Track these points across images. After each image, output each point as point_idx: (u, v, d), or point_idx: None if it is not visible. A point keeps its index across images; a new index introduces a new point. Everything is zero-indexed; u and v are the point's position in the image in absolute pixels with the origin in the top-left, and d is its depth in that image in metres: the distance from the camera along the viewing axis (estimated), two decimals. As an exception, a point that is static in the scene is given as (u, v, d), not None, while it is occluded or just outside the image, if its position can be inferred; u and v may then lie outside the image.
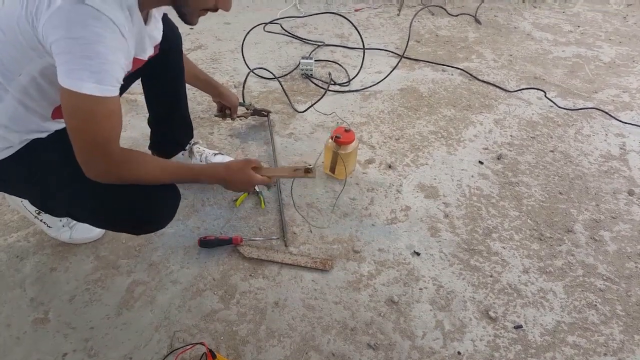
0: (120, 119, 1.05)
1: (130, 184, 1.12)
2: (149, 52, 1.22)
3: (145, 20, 1.16)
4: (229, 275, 1.47)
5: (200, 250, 1.53)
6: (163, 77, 1.50)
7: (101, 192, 1.12)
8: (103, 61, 0.94)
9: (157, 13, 1.25)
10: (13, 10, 0.97)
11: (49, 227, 1.48)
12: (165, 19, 1.37)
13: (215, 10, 1.15)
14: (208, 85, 1.76)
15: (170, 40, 1.40)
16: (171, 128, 1.69)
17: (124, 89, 1.16)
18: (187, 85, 1.76)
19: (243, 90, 2.23)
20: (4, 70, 1.04)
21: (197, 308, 1.38)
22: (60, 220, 1.49)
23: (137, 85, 1.50)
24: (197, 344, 1.26)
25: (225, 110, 1.88)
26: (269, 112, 2.09)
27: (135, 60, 1.12)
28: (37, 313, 1.35)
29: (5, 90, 1.07)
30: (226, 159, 1.75)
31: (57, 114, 1.17)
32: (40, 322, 1.33)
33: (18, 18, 0.96)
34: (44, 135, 1.18)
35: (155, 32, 1.26)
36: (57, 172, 1.15)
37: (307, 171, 1.41)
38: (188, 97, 1.67)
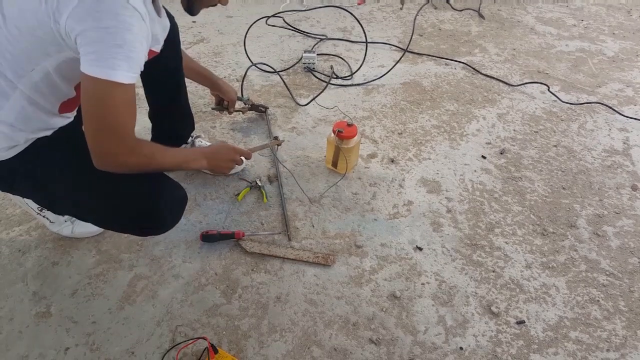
0: (136, 106, 1.05)
1: (136, 186, 1.12)
2: (161, 43, 1.21)
3: (157, 11, 1.15)
4: (231, 269, 1.47)
5: (202, 245, 1.53)
6: (162, 69, 1.49)
7: (106, 199, 1.13)
8: (131, 49, 0.95)
9: (161, 4, 1.24)
10: (30, 6, 0.96)
11: (51, 222, 1.48)
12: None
13: (215, 4, 1.16)
14: (206, 79, 1.74)
15: (169, 33, 1.39)
16: (172, 121, 1.68)
17: None
18: (189, 80, 1.75)
19: (242, 84, 2.22)
20: (15, 67, 1.03)
21: (199, 303, 1.38)
22: (63, 216, 1.48)
23: (137, 78, 1.49)
24: (199, 338, 1.27)
25: (223, 103, 1.87)
26: (266, 107, 2.08)
27: (150, 51, 1.12)
28: (39, 307, 1.35)
29: (13, 87, 1.06)
30: None
31: (63, 108, 1.16)
32: (42, 316, 1.33)
33: (37, 13, 0.95)
34: (49, 132, 1.17)
35: (165, 23, 1.26)
36: (61, 178, 1.15)
37: (276, 139, 1.77)
38: (190, 91, 1.66)
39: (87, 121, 0.99)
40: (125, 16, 0.92)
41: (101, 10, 0.91)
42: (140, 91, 1.61)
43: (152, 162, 1.11)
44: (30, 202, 1.43)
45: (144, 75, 1.51)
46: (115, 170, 1.06)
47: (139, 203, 1.14)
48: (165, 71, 1.52)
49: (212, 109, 1.91)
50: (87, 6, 0.91)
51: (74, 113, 1.23)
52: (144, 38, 0.99)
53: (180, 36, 1.54)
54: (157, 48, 1.19)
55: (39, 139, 1.15)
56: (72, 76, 1.01)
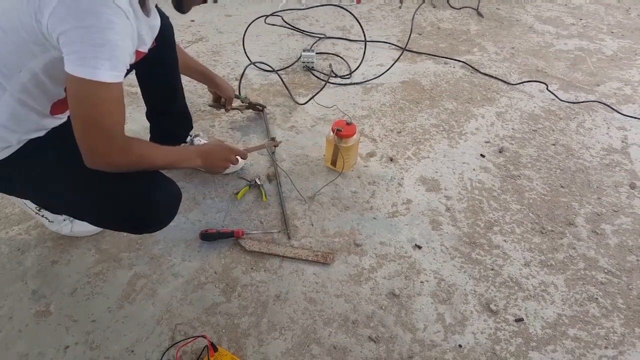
0: (124, 104, 1.05)
1: (130, 184, 1.12)
2: (149, 44, 1.21)
3: (145, 11, 1.15)
4: (231, 268, 1.47)
5: (201, 244, 1.53)
6: (158, 69, 1.49)
7: (100, 197, 1.13)
8: (114, 48, 0.94)
9: (152, 5, 1.24)
10: (13, 6, 0.95)
11: (50, 221, 1.48)
12: (157, 9, 1.35)
13: (205, 1, 1.17)
14: (204, 76, 1.74)
15: (163, 32, 1.38)
16: (170, 121, 1.68)
17: None
18: (189, 79, 1.75)
19: (240, 83, 2.22)
20: (3, 69, 1.03)
21: (199, 301, 1.38)
22: (62, 215, 1.48)
23: (132, 76, 1.49)
24: (198, 337, 1.27)
25: (221, 100, 1.87)
26: (264, 106, 2.08)
27: (136, 52, 1.11)
28: (38, 306, 1.35)
29: (3, 89, 1.05)
30: None
31: (55, 110, 1.16)
32: (42, 314, 1.33)
33: (19, 13, 0.95)
34: (42, 133, 1.17)
35: (154, 23, 1.25)
36: (55, 178, 1.15)
37: (273, 139, 1.79)
38: (189, 90, 1.66)
39: (74, 121, 1.00)
40: (106, 14, 0.92)
41: (82, 9, 0.90)
42: (138, 90, 1.61)
43: (143, 160, 1.12)
44: (28, 201, 1.43)
45: (139, 76, 1.52)
46: (106, 169, 1.06)
47: (133, 200, 1.14)
48: (161, 72, 1.52)
49: (209, 105, 1.91)
50: (68, 5, 0.90)
51: (67, 114, 1.23)
52: (127, 36, 0.98)
53: (178, 35, 1.54)
54: (144, 49, 1.18)
55: (32, 139, 1.15)
56: (59, 76, 1.01)
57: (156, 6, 1.35)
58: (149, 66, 1.42)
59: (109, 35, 0.92)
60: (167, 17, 1.46)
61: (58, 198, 1.18)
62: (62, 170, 1.14)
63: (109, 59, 0.94)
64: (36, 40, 0.97)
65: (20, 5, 0.94)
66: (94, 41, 0.91)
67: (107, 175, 1.08)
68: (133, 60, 1.08)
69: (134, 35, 1.02)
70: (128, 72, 1.24)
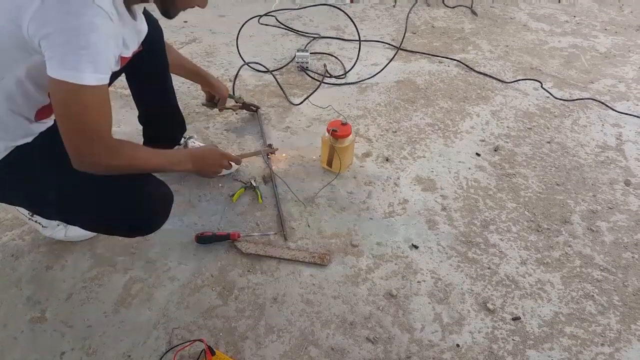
0: (110, 106, 1.04)
1: (120, 188, 1.12)
2: (132, 49, 1.19)
3: (131, 15, 1.14)
4: (227, 271, 1.46)
5: (197, 247, 1.52)
6: (148, 73, 1.48)
7: (91, 201, 1.12)
8: (98, 50, 0.93)
9: (139, 9, 1.23)
10: None
11: (44, 227, 1.47)
12: (145, 13, 1.33)
13: (192, 7, 1.17)
14: (197, 76, 1.74)
15: (152, 36, 1.36)
16: (163, 123, 1.67)
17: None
18: (183, 80, 1.74)
19: (234, 83, 2.21)
20: None
21: (196, 304, 1.37)
22: (55, 219, 1.47)
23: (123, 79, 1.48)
24: (195, 340, 1.26)
25: (214, 99, 1.86)
26: (258, 107, 2.07)
27: (120, 58, 1.10)
28: (33, 312, 1.34)
29: None
30: None
31: (40, 115, 1.15)
32: (37, 321, 1.32)
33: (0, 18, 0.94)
34: (29, 139, 1.15)
35: (141, 28, 1.24)
36: (45, 183, 1.14)
37: (269, 146, 1.79)
38: (183, 92, 1.65)
39: (60, 124, 0.99)
40: (88, 16, 0.91)
41: (64, 12, 0.89)
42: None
43: (134, 163, 1.11)
44: (20, 207, 1.42)
45: (129, 80, 1.51)
46: (94, 170, 1.06)
47: (124, 203, 1.14)
48: (151, 75, 1.51)
49: (202, 104, 1.89)
50: (49, 8, 0.89)
51: (53, 117, 1.22)
52: (110, 38, 0.97)
53: (171, 37, 1.53)
54: (127, 53, 1.16)
55: (19, 146, 1.14)
56: (43, 83, 1.00)
57: (145, 10, 1.34)
58: (139, 70, 1.41)
59: (91, 38, 0.91)
60: (156, 20, 1.45)
61: (49, 204, 1.17)
62: (51, 176, 1.13)
63: (92, 61, 0.93)
64: (18, 45, 0.96)
65: (0, 11, 0.93)
66: (76, 43, 0.90)
67: (97, 178, 1.07)
68: (118, 63, 1.07)
69: (117, 36, 1.00)
70: (117, 75, 1.23)
